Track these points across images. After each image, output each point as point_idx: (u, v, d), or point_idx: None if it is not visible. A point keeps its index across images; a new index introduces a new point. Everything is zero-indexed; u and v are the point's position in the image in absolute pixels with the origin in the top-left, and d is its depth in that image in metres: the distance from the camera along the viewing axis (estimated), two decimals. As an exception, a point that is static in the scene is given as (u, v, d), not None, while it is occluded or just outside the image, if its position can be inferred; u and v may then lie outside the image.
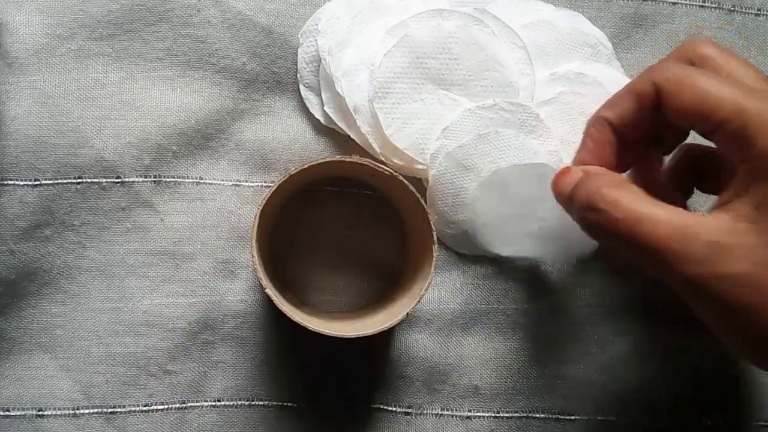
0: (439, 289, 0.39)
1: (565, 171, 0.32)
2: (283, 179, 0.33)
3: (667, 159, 0.36)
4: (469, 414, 0.39)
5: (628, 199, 0.28)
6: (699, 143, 0.33)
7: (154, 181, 0.38)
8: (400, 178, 0.33)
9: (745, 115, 0.27)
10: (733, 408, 0.41)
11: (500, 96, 0.38)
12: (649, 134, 0.33)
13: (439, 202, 0.38)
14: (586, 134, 0.33)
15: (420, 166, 0.38)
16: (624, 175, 0.34)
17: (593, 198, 0.29)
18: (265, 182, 0.39)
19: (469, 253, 0.39)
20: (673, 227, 0.27)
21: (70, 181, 0.37)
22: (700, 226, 0.27)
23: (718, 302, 0.27)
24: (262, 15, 0.38)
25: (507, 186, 0.36)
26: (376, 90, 0.37)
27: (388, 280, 0.37)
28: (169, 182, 0.38)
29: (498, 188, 0.36)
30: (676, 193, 0.35)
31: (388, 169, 0.33)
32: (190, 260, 0.38)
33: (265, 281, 0.33)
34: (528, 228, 0.36)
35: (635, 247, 0.28)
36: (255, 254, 0.33)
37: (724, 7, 0.42)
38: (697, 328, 0.41)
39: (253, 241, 0.33)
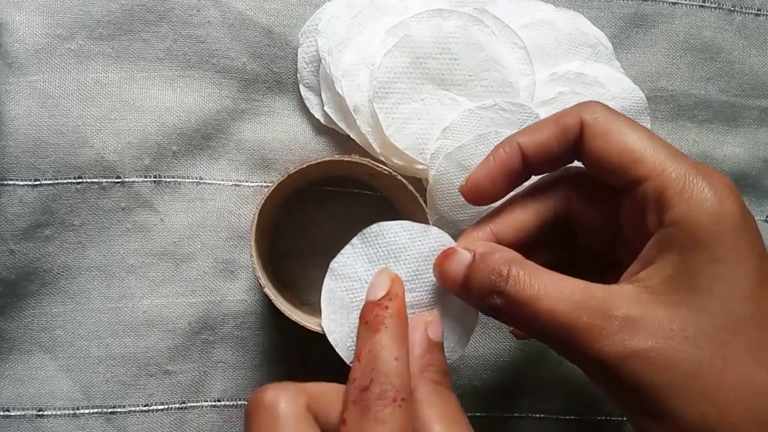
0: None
1: (450, 253, 0.29)
2: (283, 179, 0.33)
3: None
4: (469, 414, 0.39)
5: (530, 277, 0.26)
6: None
7: (154, 181, 0.38)
8: (400, 177, 0.33)
9: (666, 176, 0.25)
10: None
11: (500, 96, 0.38)
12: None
13: (439, 202, 0.38)
14: (492, 153, 0.30)
15: (420, 166, 0.38)
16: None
17: (491, 281, 0.26)
18: (265, 182, 0.39)
19: None
20: (579, 301, 0.25)
21: (70, 181, 0.37)
22: (607, 299, 0.25)
23: (626, 382, 0.25)
24: (262, 15, 0.38)
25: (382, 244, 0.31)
26: (376, 90, 0.37)
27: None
28: (169, 182, 0.38)
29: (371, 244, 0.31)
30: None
31: (387, 168, 0.33)
32: (190, 260, 0.38)
33: (264, 281, 0.33)
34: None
35: (547, 328, 0.26)
36: (254, 254, 0.33)
37: (724, 7, 0.42)
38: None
39: (252, 241, 0.33)
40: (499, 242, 0.30)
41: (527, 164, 0.29)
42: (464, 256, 0.28)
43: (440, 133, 0.37)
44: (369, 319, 0.27)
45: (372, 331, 0.26)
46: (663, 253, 0.25)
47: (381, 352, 0.25)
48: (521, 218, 0.30)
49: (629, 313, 0.25)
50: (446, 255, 0.29)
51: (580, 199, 0.30)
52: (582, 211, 0.30)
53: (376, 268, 0.30)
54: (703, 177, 0.25)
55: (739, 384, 0.24)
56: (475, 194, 0.30)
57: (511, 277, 0.26)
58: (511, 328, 0.36)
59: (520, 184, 0.30)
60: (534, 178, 0.31)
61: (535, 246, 0.30)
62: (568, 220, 0.30)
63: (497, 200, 0.31)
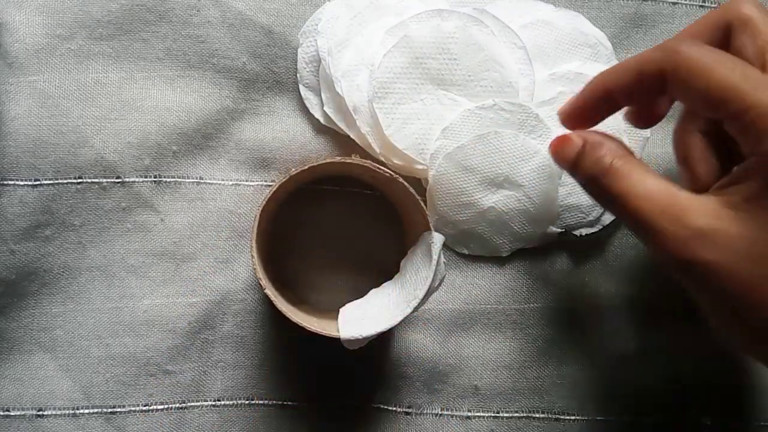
0: (439, 289, 0.39)
1: (565, 140, 0.31)
2: (284, 180, 0.33)
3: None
4: (469, 414, 0.39)
5: (626, 173, 0.29)
6: None
7: (155, 181, 0.38)
8: (400, 179, 0.33)
9: (753, 111, 0.26)
10: (733, 408, 0.41)
11: (500, 96, 0.38)
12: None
13: (439, 203, 0.38)
14: (581, 94, 0.32)
15: (420, 166, 0.38)
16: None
17: (595, 171, 0.30)
18: (265, 182, 0.39)
19: (469, 252, 0.39)
20: (663, 206, 0.27)
21: (70, 181, 0.37)
22: (688, 207, 0.27)
23: (691, 286, 0.28)
24: (262, 15, 0.38)
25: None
26: (376, 90, 0.37)
27: (388, 279, 0.37)
28: (169, 182, 0.38)
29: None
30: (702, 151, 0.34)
31: (387, 170, 0.33)
32: (190, 260, 0.38)
33: (265, 281, 0.33)
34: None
35: (631, 222, 0.28)
36: (255, 254, 0.33)
37: (724, 7, 0.42)
38: (696, 327, 0.41)
39: (253, 241, 0.33)
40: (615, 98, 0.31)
41: (613, 102, 0.31)
42: (576, 143, 0.31)
43: (440, 133, 0.37)
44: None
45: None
46: (750, 175, 0.26)
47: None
48: (630, 83, 0.31)
49: (705, 225, 0.26)
50: (561, 140, 0.32)
51: None
52: None
53: None
54: None
55: None
56: (568, 120, 0.33)
57: (610, 170, 0.29)
58: None
59: (610, 115, 0.33)
60: None
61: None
62: None
63: (592, 125, 0.33)
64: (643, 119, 0.34)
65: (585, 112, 0.32)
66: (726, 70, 0.27)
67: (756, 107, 0.26)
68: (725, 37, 0.30)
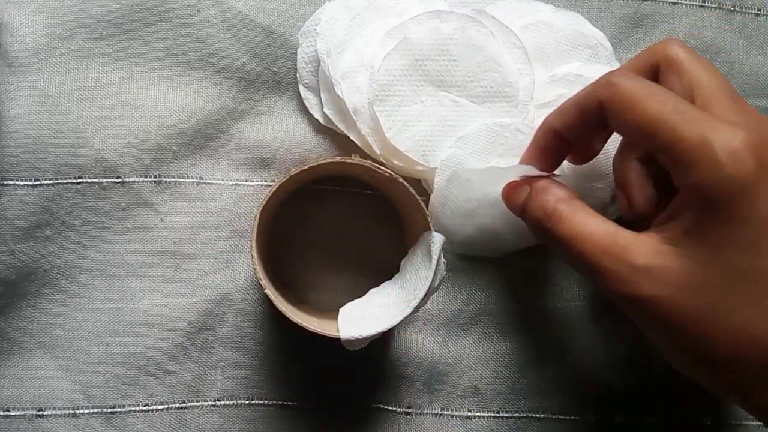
0: (439, 289, 0.39)
1: (514, 187, 0.33)
2: (284, 180, 0.33)
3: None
4: (469, 414, 0.39)
5: (569, 216, 0.30)
6: None
7: (154, 181, 0.38)
8: (400, 179, 0.33)
9: (682, 145, 0.26)
10: (733, 408, 0.41)
11: (500, 96, 0.38)
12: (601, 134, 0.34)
13: (442, 208, 0.38)
14: (534, 139, 0.34)
15: (420, 168, 0.38)
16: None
17: (540, 215, 0.31)
18: (265, 182, 0.39)
19: (470, 254, 0.39)
20: (605, 246, 0.28)
21: (70, 181, 0.37)
22: (629, 246, 0.28)
23: (638, 322, 0.29)
24: (262, 15, 0.38)
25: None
26: (376, 93, 0.37)
27: (388, 279, 0.37)
28: (169, 182, 0.38)
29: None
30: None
31: (388, 170, 0.33)
32: (190, 260, 0.38)
33: (265, 281, 0.33)
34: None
35: (577, 263, 0.30)
36: (255, 254, 0.33)
37: (724, 7, 0.42)
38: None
39: (253, 241, 0.33)
40: (562, 139, 0.33)
41: (565, 141, 0.33)
42: (524, 189, 0.33)
43: (454, 141, 0.37)
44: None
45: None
46: (684, 209, 0.27)
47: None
48: (573, 121, 0.32)
49: (646, 262, 0.27)
50: (511, 187, 0.34)
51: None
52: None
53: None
54: (717, 141, 0.26)
55: (737, 331, 0.26)
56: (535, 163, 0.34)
57: (553, 215, 0.30)
58: None
59: (567, 154, 0.34)
60: None
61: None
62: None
63: (553, 170, 0.34)
64: (579, 157, 0.36)
65: (542, 156, 0.34)
66: (657, 103, 0.28)
67: (684, 141, 0.26)
68: (655, 77, 0.31)
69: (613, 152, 0.39)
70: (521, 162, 0.35)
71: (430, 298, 0.34)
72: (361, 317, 0.34)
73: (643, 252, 0.28)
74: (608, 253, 0.28)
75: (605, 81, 0.30)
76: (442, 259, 0.33)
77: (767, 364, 0.27)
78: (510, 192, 0.34)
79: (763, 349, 0.26)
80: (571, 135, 0.32)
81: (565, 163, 0.39)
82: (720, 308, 0.27)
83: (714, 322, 0.27)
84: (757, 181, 0.26)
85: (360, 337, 0.32)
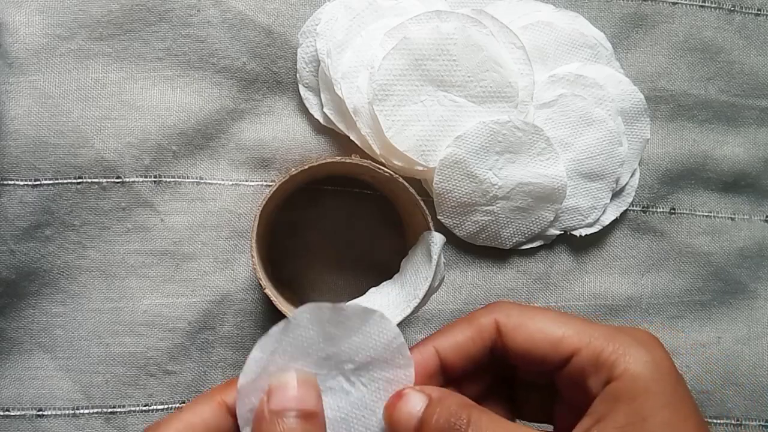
0: (439, 290, 0.39)
1: (400, 396, 0.27)
2: (283, 180, 0.33)
3: None
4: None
5: (489, 425, 0.26)
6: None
7: (154, 181, 0.38)
8: (400, 179, 0.33)
9: (595, 342, 0.27)
10: (732, 408, 0.41)
11: (500, 96, 0.38)
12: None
13: (445, 204, 0.38)
14: (418, 357, 0.29)
15: (420, 168, 0.38)
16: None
17: (453, 429, 0.26)
18: (265, 182, 0.39)
19: (478, 243, 0.39)
20: None
21: (70, 181, 0.37)
22: None
23: None
24: (262, 15, 0.38)
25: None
26: (376, 92, 0.37)
27: (388, 279, 0.37)
28: (169, 182, 0.38)
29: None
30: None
31: (387, 170, 0.33)
32: (190, 260, 0.38)
33: (265, 281, 0.33)
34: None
35: None
36: (254, 254, 0.33)
37: (724, 7, 0.42)
38: (695, 327, 0.41)
39: (253, 241, 0.33)
40: (443, 362, 0.29)
41: (445, 367, 0.29)
42: (418, 400, 0.27)
43: (452, 140, 0.37)
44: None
45: None
46: (613, 407, 0.26)
47: None
48: (463, 341, 0.29)
49: None
50: (398, 396, 0.27)
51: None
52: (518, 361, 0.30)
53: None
54: (627, 334, 0.27)
55: None
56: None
57: (471, 423, 0.25)
58: None
59: (450, 380, 0.29)
60: None
61: (478, 369, 0.30)
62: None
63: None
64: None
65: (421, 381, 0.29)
66: (553, 316, 0.28)
67: (593, 341, 0.27)
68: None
69: (613, 150, 0.39)
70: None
71: (430, 298, 0.34)
72: None
73: None
74: None
75: (498, 303, 0.29)
76: (442, 259, 0.33)
77: None
78: (395, 403, 0.27)
79: None
80: (455, 360, 0.29)
81: (565, 162, 0.39)
82: None
83: None
84: (671, 361, 0.27)
85: None
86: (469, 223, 0.39)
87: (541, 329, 0.28)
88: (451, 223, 0.39)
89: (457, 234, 0.39)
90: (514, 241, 0.39)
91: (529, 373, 0.30)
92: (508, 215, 0.39)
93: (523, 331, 0.28)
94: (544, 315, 0.28)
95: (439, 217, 0.39)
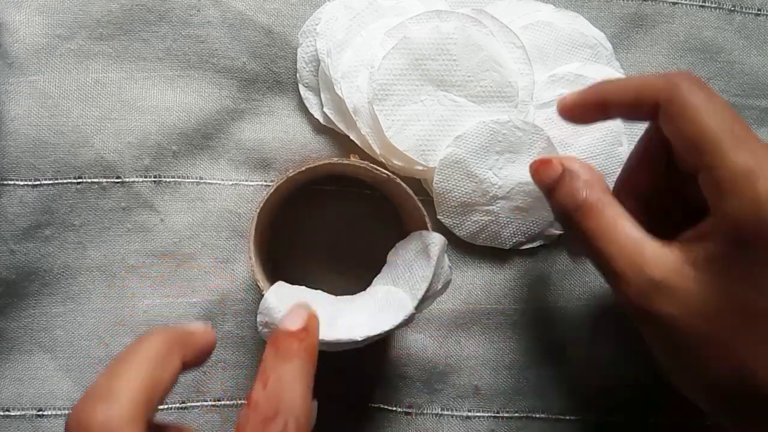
0: (439, 290, 0.39)
1: (546, 163, 0.32)
2: (281, 181, 0.33)
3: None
4: (469, 414, 0.39)
5: (598, 212, 0.29)
6: None
7: (154, 181, 0.38)
8: (398, 180, 0.33)
9: (727, 171, 0.26)
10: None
11: (499, 96, 0.38)
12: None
13: (445, 204, 0.38)
14: (585, 92, 0.32)
15: (420, 167, 0.38)
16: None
17: (568, 202, 0.30)
18: (265, 182, 0.39)
19: (478, 243, 0.39)
20: (628, 252, 0.28)
21: (70, 181, 0.37)
22: (651, 259, 0.28)
23: (656, 336, 0.29)
24: (262, 15, 0.38)
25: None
26: (376, 92, 0.37)
27: (388, 280, 0.37)
28: (169, 182, 0.38)
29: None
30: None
31: (385, 171, 0.33)
32: (190, 260, 0.38)
33: (263, 283, 0.33)
34: None
35: (596, 261, 0.29)
36: (252, 256, 0.33)
37: (724, 7, 0.42)
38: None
39: (251, 243, 0.33)
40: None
41: (603, 111, 0.31)
42: (555, 169, 0.31)
43: (452, 140, 0.37)
44: (281, 346, 0.26)
45: (282, 360, 0.25)
46: (712, 235, 0.27)
47: (291, 385, 0.25)
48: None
49: (665, 278, 0.27)
50: (542, 163, 0.32)
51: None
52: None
53: None
54: (763, 178, 0.26)
55: (741, 366, 0.26)
56: (564, 111, 0.33)
57: (583, 205, 0.29)
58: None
59: (607, 119, 0.33)
60: None
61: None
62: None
63: (585, 123, 0.33)
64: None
65: (580, 111, 0.32)
66: (716, 120, 0.27)
67: (730, 168, 0.26)
68: (653, 113, 0.30)
69: (613, 150, 0.39)
70: (558, 101, 0.33)
71: (435, 300, 0.33)
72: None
73: (664, 267, 0.27)
74: (630, 260, 0.28)
75: (671, 80, 0.28)
76: (447, 262, 0.33)
77: (762, 403, 0.27)
78: (540, 167, 0.32)
79: (763, 388, 0.26)
80: (615, 112, 0.31)
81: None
82: (729, 340, 0.26)
83: (720, 351, 0.27)
84: None
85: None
86: (469, 223, 0.39)
87: (685, 132, 0.28)
88: (451, 223, 0.39)
89: (457, 234, 0.39)
90: (514, 240, 0.39)
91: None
92: (508, 215, 0.39)
93: (671, 127, 0.28)
94: (703, 113, 0.27)
95: (439, 217, 0.39)
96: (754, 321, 0.26)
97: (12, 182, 0.36)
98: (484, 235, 0.39)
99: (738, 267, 0.26)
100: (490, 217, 0.39)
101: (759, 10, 0.42)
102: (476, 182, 0.38)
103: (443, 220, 0.39)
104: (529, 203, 0.38)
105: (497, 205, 0.38)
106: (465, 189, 0.38)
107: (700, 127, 0.27)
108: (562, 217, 0.31)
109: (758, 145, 0.27)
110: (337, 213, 0.39)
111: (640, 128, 0.40)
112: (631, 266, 0.28)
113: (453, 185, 0.38)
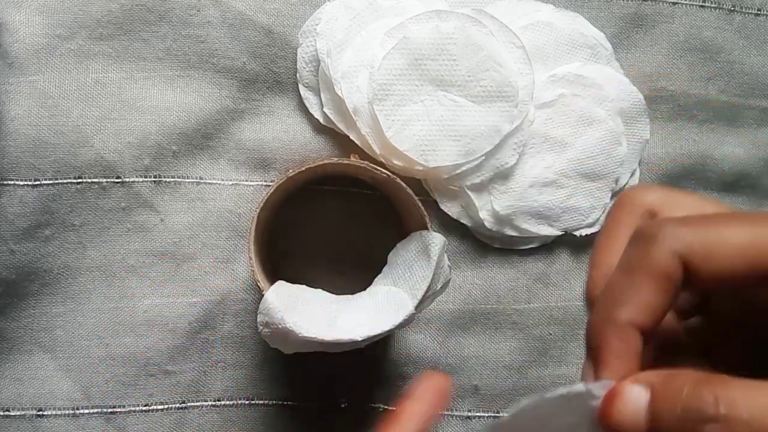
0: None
1: (614, 396, 0.20)
2: (281, 182, 0.33)
3: None
4: (469, 414, 0.39)
5: (739, 392, 0.19)
6: None
7: (154, 181, 0.38)
8: (398, 180, 0.33)
9: None
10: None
11: (499, 96, 0.38)
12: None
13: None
14: (606, 348, 0.22)
15: (420, 168, 0.38)
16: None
17: (701, 411, 0.19)
18: (265, 182, 0.39)
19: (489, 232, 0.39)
20: None
21: (70, 181, 0.37)
22: None
23: None
24: (262, 15, 0.38)
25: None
26: (376, 92, 0.37)
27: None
28: (169, 182, 0.38)
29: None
30: None
31: (385, 171, 0.33)
32: (190, 260, 0.38)
33: (263, 283, 0.33)
34: None
35: None
36: (252, 256, 0.33)
37: (724, 7, 0.42)
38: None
39: (251, 243, 0.33)
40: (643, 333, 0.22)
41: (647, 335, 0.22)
42: (638, 394, 0.20)
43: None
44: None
45: None
46: None
47: None
48: (654, 301, 0.22)
49: None
50: (612, 397, 0.21)
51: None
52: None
53: None
54: None
55: None
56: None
57: (721, 401, 0.19)
58: None
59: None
60: None
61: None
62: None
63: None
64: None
65: (632, 371, 0.22)
66: (742, 227, 0.21)
67: None
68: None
69: (613, 151, 0.39)
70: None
71: (435, 300, 0.33)
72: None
73: None
74: None
75: (668, 230, 0.21)
76: (446, 262, 0.33)
77: None
78: (611, 404, 0.20)
79: None
80: (657, 322, 0.22)
81: (565, 162, 0.39)
82: None
83: None
84: None
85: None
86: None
87: (736, 247, 0.20)
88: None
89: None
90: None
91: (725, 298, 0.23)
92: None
93: (719, 254, 0.20)
94: (732, 227, 0.20)
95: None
96: None
97: (12, 182, 0.36)
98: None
99: None
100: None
101: (759, 10, 0.42)
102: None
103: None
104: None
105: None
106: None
107: (748, 241, 0.20)
108: None
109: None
110: (337, 213, 0.39)
111: (639, 128, 0.40)
112: None
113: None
